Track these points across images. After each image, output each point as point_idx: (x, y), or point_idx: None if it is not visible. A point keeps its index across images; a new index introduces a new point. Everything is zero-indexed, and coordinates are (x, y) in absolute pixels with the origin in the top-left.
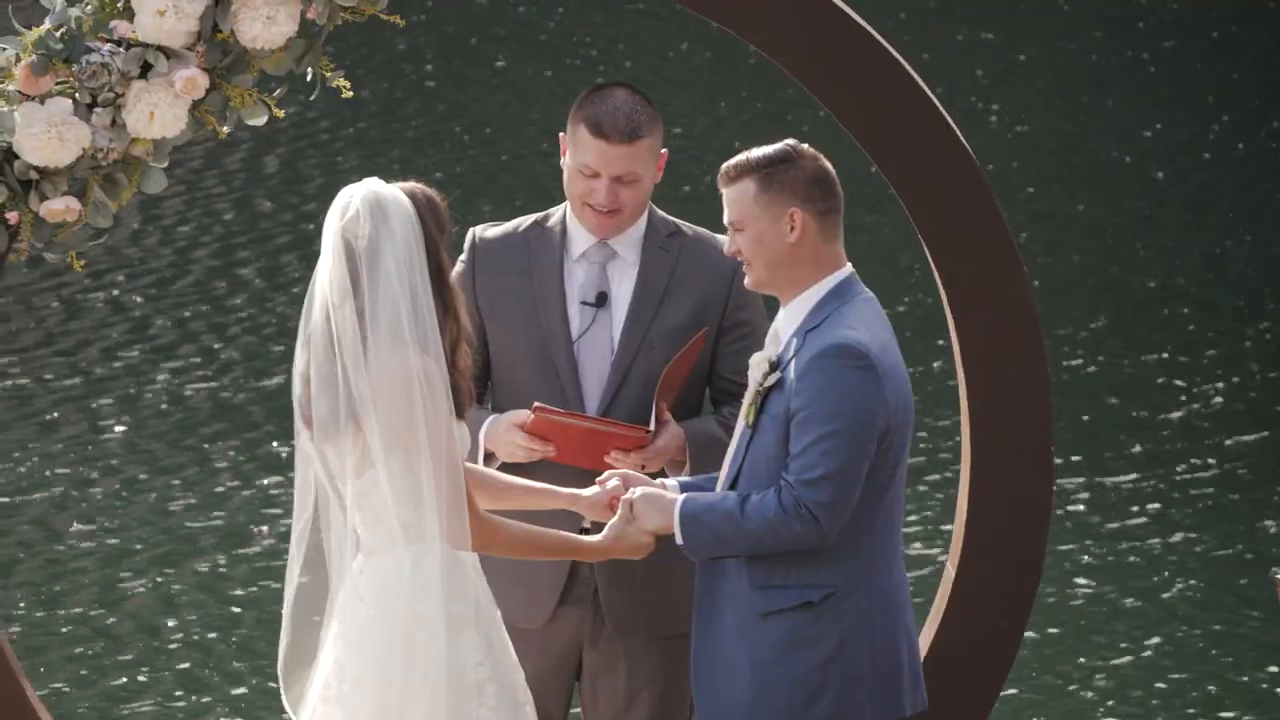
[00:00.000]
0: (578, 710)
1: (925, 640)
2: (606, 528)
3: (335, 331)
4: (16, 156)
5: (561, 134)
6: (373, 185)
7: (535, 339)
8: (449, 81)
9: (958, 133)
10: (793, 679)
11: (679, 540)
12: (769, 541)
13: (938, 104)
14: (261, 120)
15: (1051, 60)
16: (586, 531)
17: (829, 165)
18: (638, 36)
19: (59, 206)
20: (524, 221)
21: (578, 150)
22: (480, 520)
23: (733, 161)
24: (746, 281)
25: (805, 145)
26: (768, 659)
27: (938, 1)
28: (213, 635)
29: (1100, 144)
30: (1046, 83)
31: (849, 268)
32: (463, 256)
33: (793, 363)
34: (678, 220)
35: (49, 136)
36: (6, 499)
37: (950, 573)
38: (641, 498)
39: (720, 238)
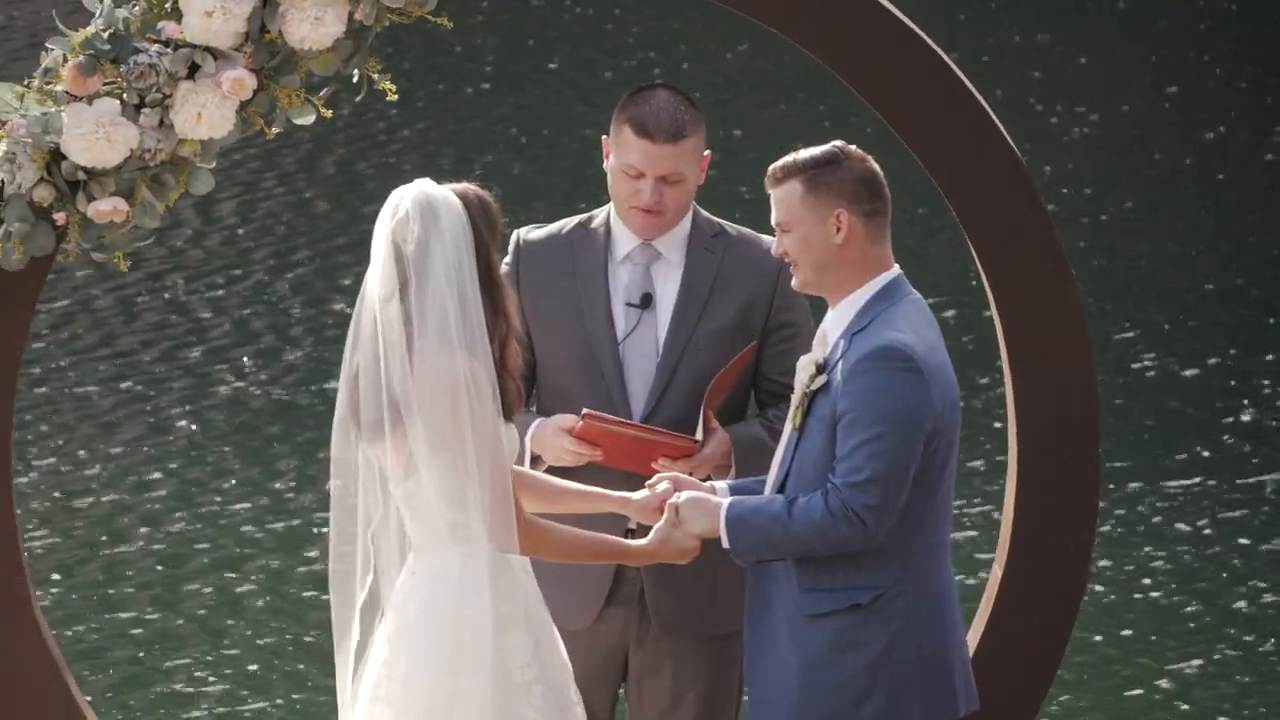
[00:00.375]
0: (624, 709)
1: (972, 640)
2: (653, 531)
3: (381, 333)
4: (64, 157)
5: (604, 136)
6: (424, 186)
7: (580, 341)
8: (506, 82)
9: (1006, 136)
10: (839, 681)
11: (725, 544)
12: (816, 544)
13: (986, 106)
14: (309, 120)
15: (1111, 62)
16: (632, 533)
17: (876, 167)
18: (695, 37)
19: (106, 207)
20: (568, 223)
21: (622, 151)
22: (528, 525)
23: (780, 163)
24: (794, 283)
25: (853, 147)
26: (815, 661)
27: (997, 4)
28: (273, 639)
29: (1160, 146)
30: (1106, 85)
31: (896, 269)
32: (506, 259)
33: (839, 365)
34: (721, 220)
35: (96, 137)
36: (69, 501)
37: (997, 573)
38: (687, 502)
39: (765, 238)
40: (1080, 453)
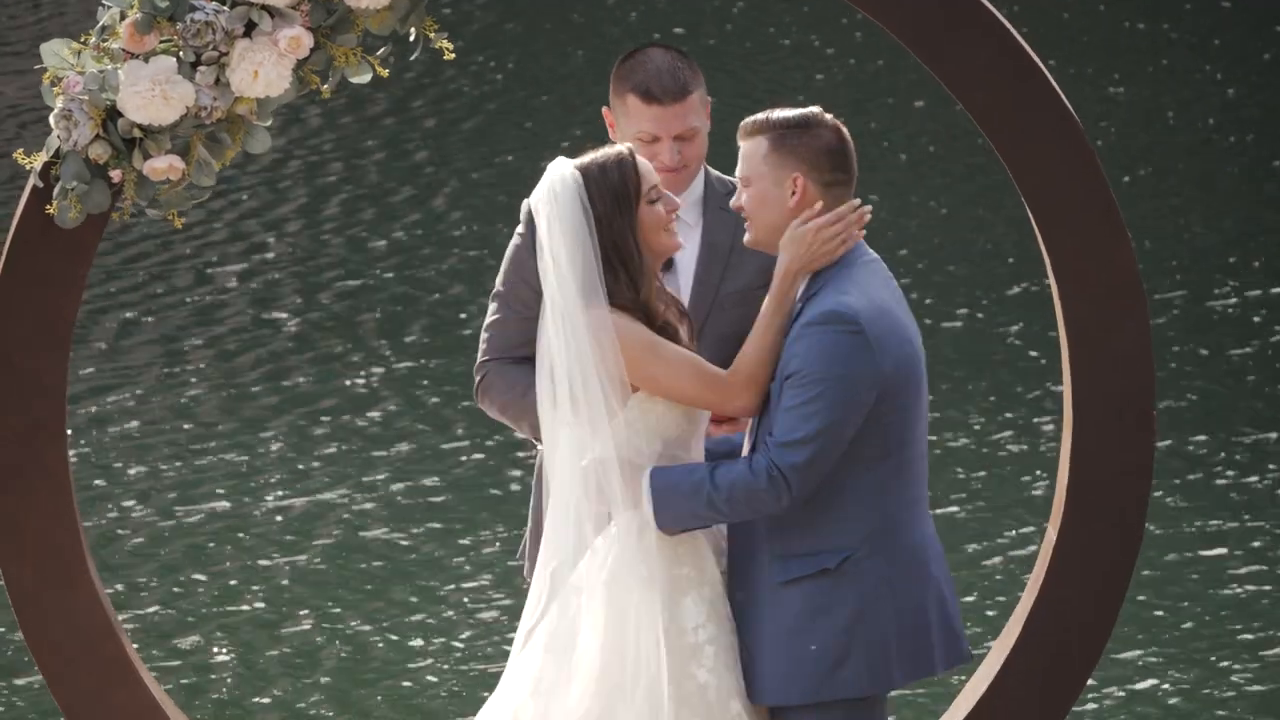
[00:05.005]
0: None
1: (1026, 604)
2: None
3: (547, 308)
4: (120, 115)
5: (605, 109)
6: (551, 169)
7: None
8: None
9: (1062, 97)
10: (817, 646)
11: (648, 511)
12: (746, 510)
13: (1042, 66)
14: (365, 79)
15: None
16: None
17: (849, 139)
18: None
19: (162, 165)
20: None
21: (631, 120)
22: None
23: (753, 117)
24: (746, 239)
25: (830, 116)
26: (791, 628)
27: None
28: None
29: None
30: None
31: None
32: (519, 229)
33: (792, 329)
34: (733, 179)
35: (153, 95)
36: (183, 503)
37: (1051, 536)
38: None
39: None
40: (1136, 411)
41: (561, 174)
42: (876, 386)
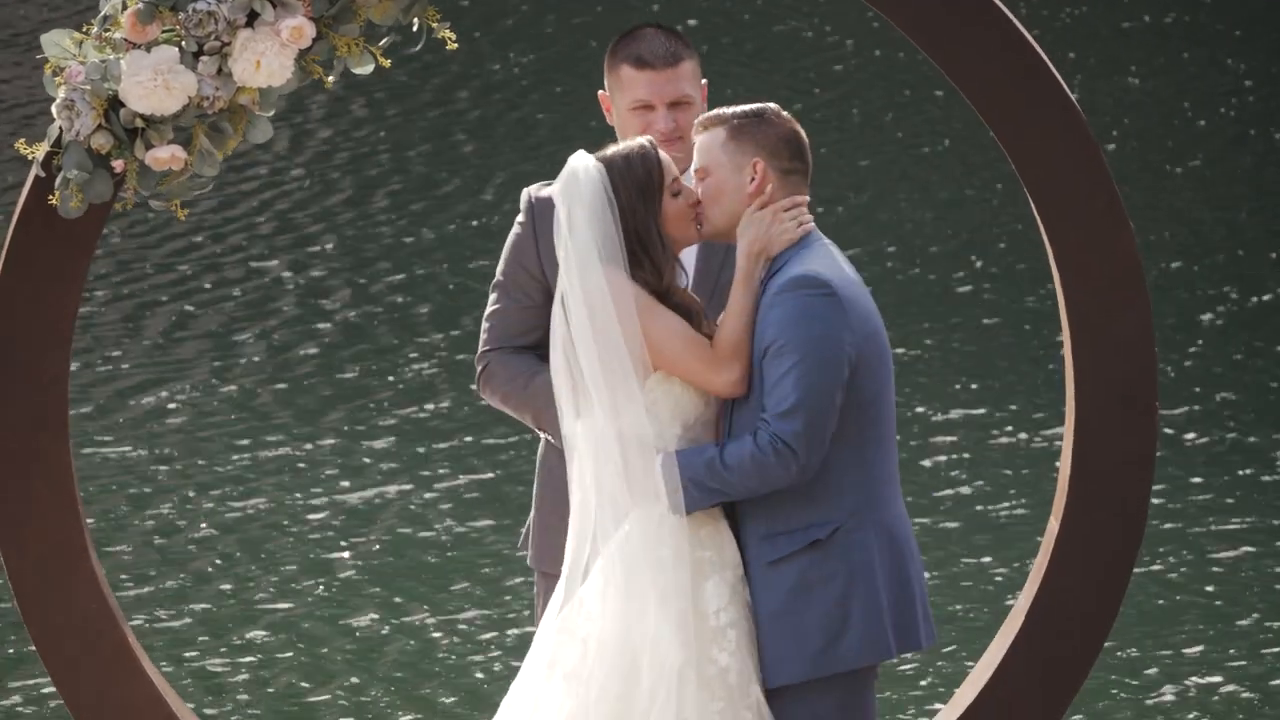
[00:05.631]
0: None
1: (1029, 594)
2: None
3: (565, 291)
4: (123, 104)
5: (601, 92)
6: (572, 161)
7: None
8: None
9: (1063, 84)
10: (815, 619)
11: (664, 498)
12: (752, 484)
13: (1044, 56)
14: (368, 70)
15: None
16: None
17: (802, 132)
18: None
19: (164, 155)
20: None
21: (625, 91)
22: None
23: (710, 112)
24: (703, 230)
25: (785, 111)
26: (788, 606)
27: None
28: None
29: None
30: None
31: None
32: (520, 218)
33: (764, 299)
34: None
35: (155, 85)
36: (230, 501)
37: (1054, 526)
38: None
39: None
40: (1138, 406)
41: (585, 165)
42: (854, 346)
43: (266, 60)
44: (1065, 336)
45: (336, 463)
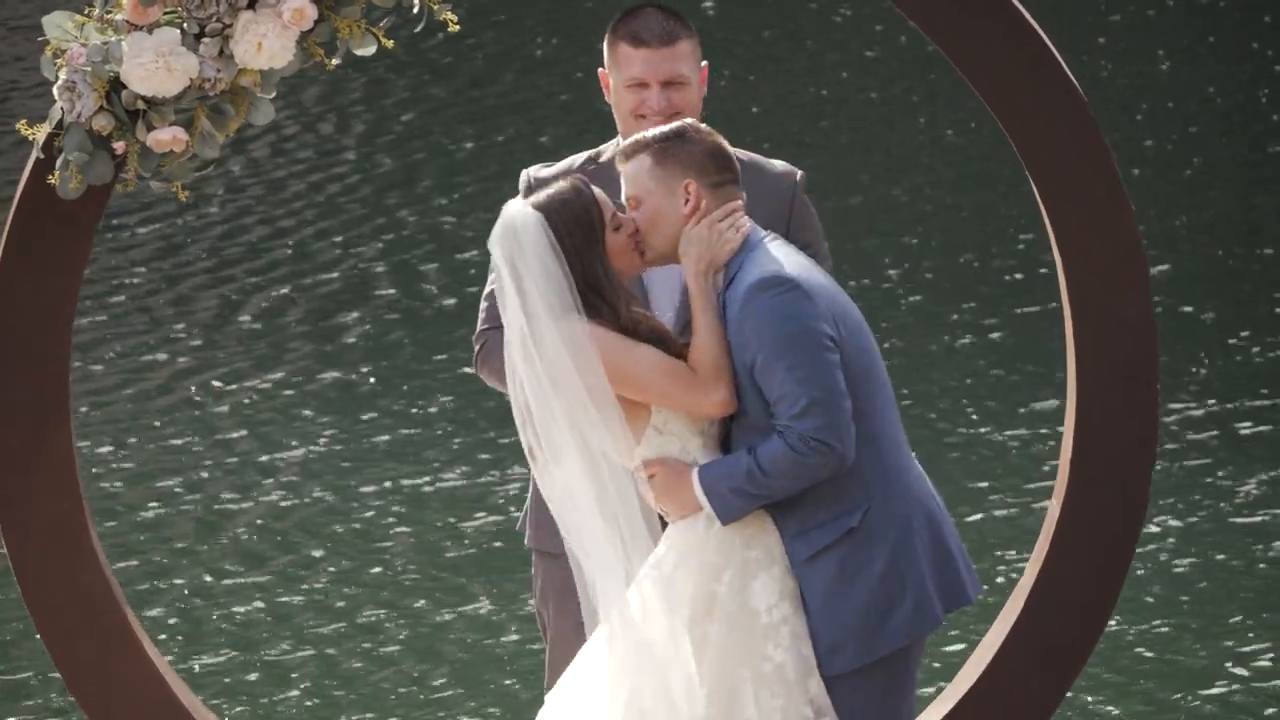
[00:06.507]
0: None
1: (1030, 576)
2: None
3: (516, 350)
4: (124, 86)
5: (601, 70)
6: (508, 211)
7: None
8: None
9: (1063, 64)
10: (863, 604)
11: (708, 509)
12: (800, 483)
13: (1044, 36)
14: (369, 52)
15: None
16: None
17: (724, 143)
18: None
19: (165, 137)
20: (576, 159)
21: (621, 68)
22: None
23: (629, 139)
24: (646, 257)
25: (703, 125)
26: (826, 599)
27: None
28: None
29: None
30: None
31: (748, 223)
32: (519, 198)
33: (731, 316)
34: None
35: (156, 66)
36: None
37: (1054, 507)
38: (662, 470)
39: (774, 162)
40: (1140, 383)
41: (522, 215)
42: (832, 327)
43: (268, 42)
44: (1066, 317)
45: (439, 446)
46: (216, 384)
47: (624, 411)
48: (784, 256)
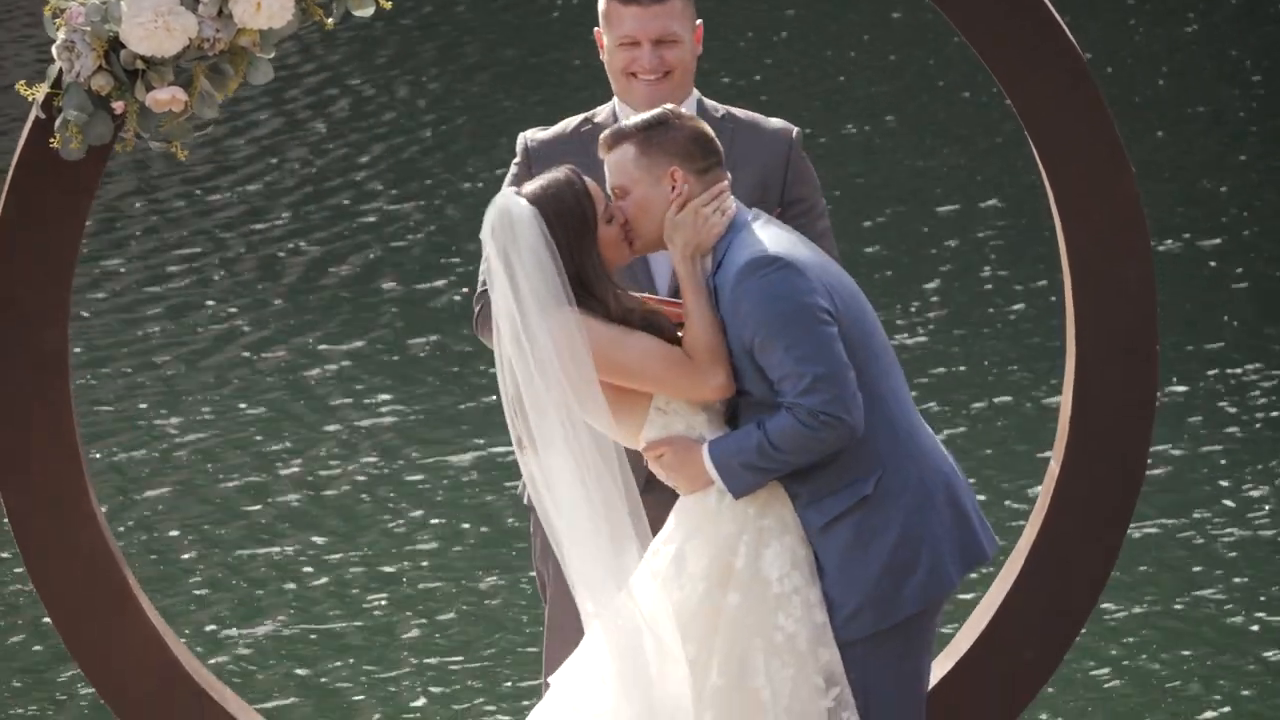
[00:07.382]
0: None
1: (1029, 536)
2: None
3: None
4: (123, 46)
5: (596, 29)
6: (501, 202)
7: None
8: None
9: (1065, 30)
10: (879, 569)
11: (720, 485)
12: (814, 456)
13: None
14: (369, 12)
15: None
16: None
17: (706, 127)
18: None
19: (165, 96)
20: (572, 121)
21: (614, 26)
22: None
23: (611, 129)
24: (636, 246)
25: (683, 110)
26: (842, 565)
27: None
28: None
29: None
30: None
31: (733, 204)
32: (516, 160)
33: (723, 299)
34: (725, 105)
35: (155, 26)
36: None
37: (1054, 468)
38: (673, 448)
39: (771, 120)
40: (1139, 347)
41: (518, 208)
42: (826, 299)
43: (267, 1)
44: (1066, 283)
45: (476, 423)
46: (309, 346)
47: (624, 398)
48: (769, 235)
